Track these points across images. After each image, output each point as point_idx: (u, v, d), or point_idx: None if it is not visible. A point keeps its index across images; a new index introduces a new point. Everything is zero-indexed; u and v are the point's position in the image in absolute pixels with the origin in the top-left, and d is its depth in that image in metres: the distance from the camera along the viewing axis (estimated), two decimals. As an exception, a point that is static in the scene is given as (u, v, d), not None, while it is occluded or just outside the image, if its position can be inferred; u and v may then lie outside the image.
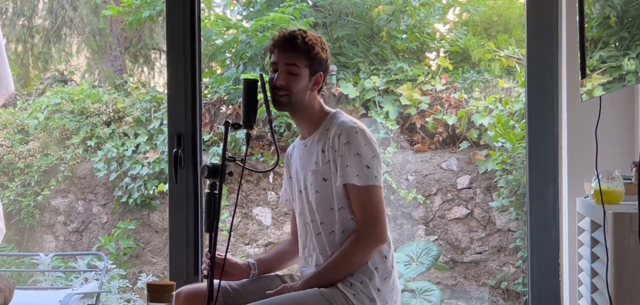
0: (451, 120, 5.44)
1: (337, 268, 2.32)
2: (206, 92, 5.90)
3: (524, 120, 4.21)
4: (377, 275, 2.34)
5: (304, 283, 2.33)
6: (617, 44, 2.10)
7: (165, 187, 5.48)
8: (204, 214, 2.53)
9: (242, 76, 5.77)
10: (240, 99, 3.75)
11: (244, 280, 2.49)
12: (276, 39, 2.41)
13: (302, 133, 2.49)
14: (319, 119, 2.43)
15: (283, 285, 2.39)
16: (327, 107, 2.47)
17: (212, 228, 2.12)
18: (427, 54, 6.31)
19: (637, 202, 1.97)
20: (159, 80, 7.61)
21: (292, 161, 2.54)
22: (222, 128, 4.10)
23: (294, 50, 2.37)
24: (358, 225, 2.33)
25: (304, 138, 2.48)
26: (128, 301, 5.46)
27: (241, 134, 5.29)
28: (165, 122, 4.39)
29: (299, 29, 2.43)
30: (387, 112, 5.52)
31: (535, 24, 3.02)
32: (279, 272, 2.58)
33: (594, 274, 2.46)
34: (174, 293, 1.97)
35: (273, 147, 5.54)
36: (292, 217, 2.61)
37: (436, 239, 5.34)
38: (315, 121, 2.43)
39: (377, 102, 5.61)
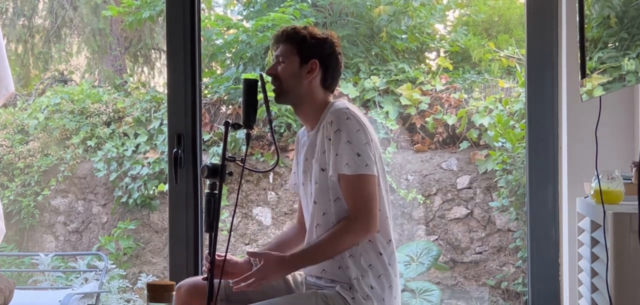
0: (451, 120, 5.44)
1: (323, 249, 2.31)
2: (206, 92, 5.90)
3: (524, 120, 4.21)
4: (371, 273, 2.32)
5: (290, 257, 2.31)
6: (617, 44, 2.10)
7: (165, 187, 5.48)
8: (204, 214, 2.53)
9: (242, 76, 5.77)
10: (240, 99, 3.75)
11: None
12: (275, 34, 2.46)
13: (307, 127, 2.48)
14: (321, 110, 2.41)
15: (249, 272, 2.30)
16: (331, 99, 2.45)
17: (212, 228, 2.12)
18: (427, 54, 6.31)
19: (637, 202, 1.97)
20: (159, 80, 7.60)
21: (300, 147, 2.53)
22: (222, 128, 4.10)
23: (282, 41, 2.41)
24: (349, 213, 2.31)
25: (309, 131, 2.47)
26: (128, 301, 5.46)
27: (241, 134, 5.28)
28: (165, 122, 4.39)
29: (304, 26, 2.45)
30: (387, 112, 5.52)
31: (535, 24, 3.02)
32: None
33: (594, 274, 2.46)
34: (174, 293, 1.97)
35: (273, 147, 5.54)
36: (299, 203, 2.59)
37: (436, 239, 5.34)
38: (317, 113, 2.41)
39: (377, 102, 5.61)
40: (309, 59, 2.38)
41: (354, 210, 2.29)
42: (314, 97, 2.40)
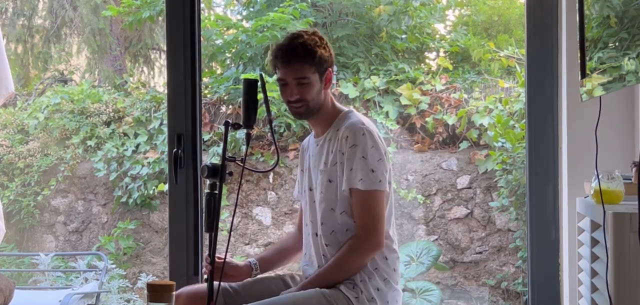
0: (451, 120, 5.44)
1: (333, 274, 2.32)
2: (206, 92, 5.90)
3: (524, 120, 4.21)
4: (377, 275, 2.34)
5: (301, 287, 2.33)
6: (617, 44, 2.10)
7: (165, 187, 5.48)
8: (204, 214, 2.53)
9: (242, 76, 5.77)
10: (240, 99, 3.75)
11: (245, 280, 2.49)
12: (277, 53, 2.35)
13: (316, 131, 2.48)
14: (331, 117, 2.41)
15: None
16: (339, 105, 2.46)
17: (212, 228, 2.12)
18: (427, 54, 6.31)
19: (637, 202, 1.97)
20: (159, 80, 7.61)
21: (306, 156, 2.52)
22: (222, 128, 4.10)
23: (298, 61, 2.32)
24: (356, 230, 2.32)
25: (317, 136, 2.47)
26: (128, 301, 5.46)
27: (241, 134, 5.28)
28: (165, 122, 4.39)
29: (295, 34, 2.37)
30: (387, 112, 5.52)
31: (535, 24, 3.02)
32: (280, 272, 2.58)
33: (594, 274, 2.46)
34: (174, 293, 1.97)
35: (273, 147, 5.54)
36: (300, 211, 2.59)
37: (436, 239, 5.34)
38: (327, 120, 2.42)
39: (377, 102, 5.61)
40: (325, 71, 2.36)
41: (361, 226, 2.31)
42: (327, 102, 2.41)
